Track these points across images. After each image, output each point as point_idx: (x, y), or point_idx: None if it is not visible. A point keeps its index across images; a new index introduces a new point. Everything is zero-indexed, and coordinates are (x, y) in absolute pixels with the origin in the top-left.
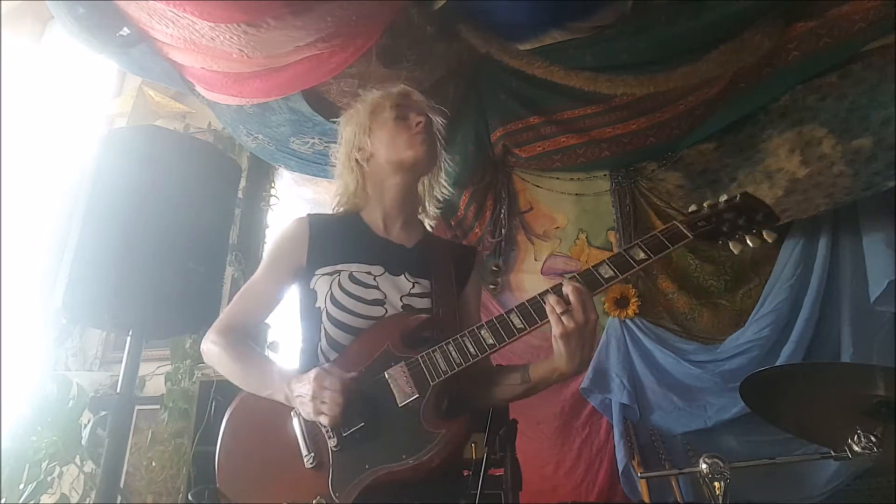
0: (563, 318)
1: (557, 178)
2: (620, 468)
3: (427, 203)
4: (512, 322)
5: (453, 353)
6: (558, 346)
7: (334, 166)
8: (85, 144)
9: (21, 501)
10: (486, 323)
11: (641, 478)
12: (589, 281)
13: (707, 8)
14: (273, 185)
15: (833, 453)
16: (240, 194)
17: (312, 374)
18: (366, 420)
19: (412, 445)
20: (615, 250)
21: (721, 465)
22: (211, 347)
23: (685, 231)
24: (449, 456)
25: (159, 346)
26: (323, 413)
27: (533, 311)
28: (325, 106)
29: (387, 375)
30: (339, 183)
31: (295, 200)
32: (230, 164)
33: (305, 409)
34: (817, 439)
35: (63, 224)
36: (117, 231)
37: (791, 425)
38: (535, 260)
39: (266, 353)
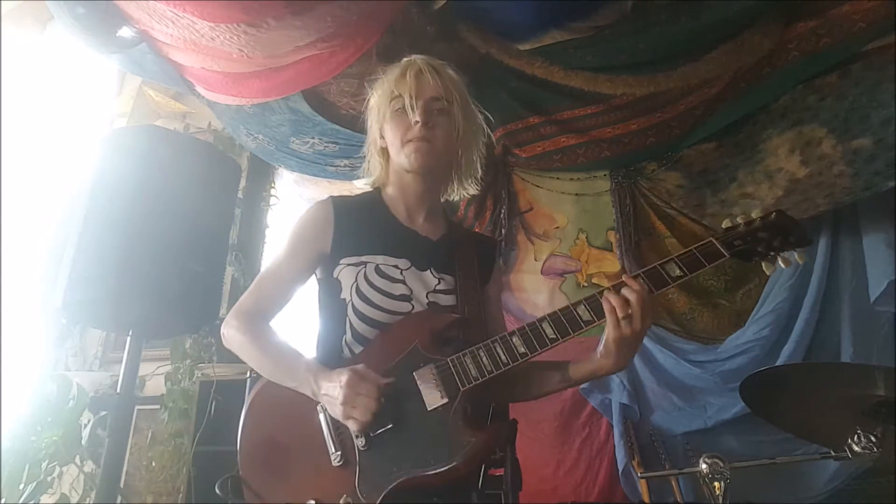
0: (622, 323)
1: (557, 178)
2: (620, 468)
3: (463, 181)
4: (544, 331)
5: (484, 359)
6: (609, 347)
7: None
8: (85, 144)
9: (21, 501)
10: (517, 330)
11: (641, 478)
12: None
13: (707, 8)
14: (273, 185)
15: (833, 453)
16: (240, 194)
17: (345, 376)
18: (394, 422)
19: (439, 453)
20: (615, 250)
21: (721, 465)
22: (233, 333)
23: (722, 250)
24: (476, 466)
25: (159, 346)
26: (354, 419)
27: (566, 322)
28: (325, 106)
29: (416, 377)
30: (367, 161)
31: (295, 200)
32: (230, 164)
33: (334, 410)
34: (817, 439)
35: (63, 224)
36: (117, 231)
37: (791, 425)
38: (535, 260)
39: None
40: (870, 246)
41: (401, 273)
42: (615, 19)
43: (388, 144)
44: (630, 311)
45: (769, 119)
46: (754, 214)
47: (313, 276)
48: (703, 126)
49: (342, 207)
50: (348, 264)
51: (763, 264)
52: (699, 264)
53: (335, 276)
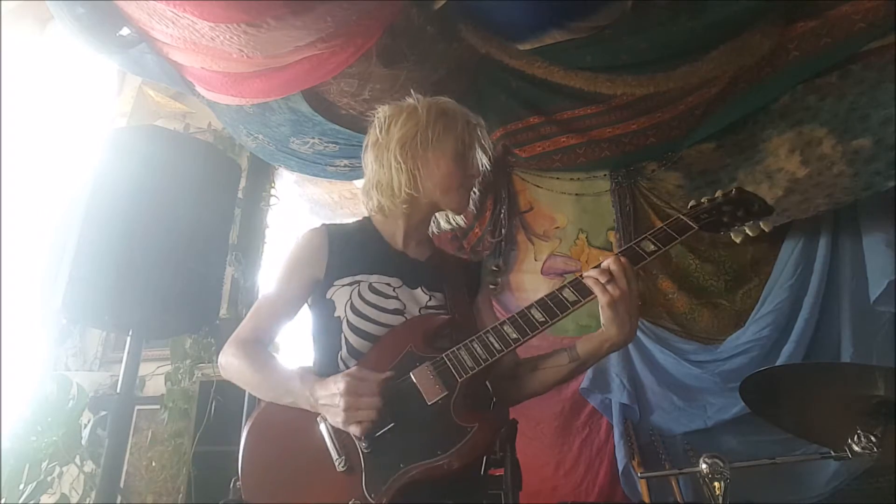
0: (609, 287)
1: (557, 178)
2: (620, 468)
3: (433, 225)
4: (533, 316)
5: (478, 349)
6: (607, 315)
7: (358, 165)
8: (85, 144)
9: (21, 501)
10: (507, 319)
11: (641, 478)
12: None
13: (707, 8)
14: (273, 185)
15: (833, 453)
16: (240, 194)
17: (342, 384)
18: (395, 420)
19: (445, 441)
20: (615, 250)
21: (721, 465)
22: (229, 360)
23: (690, 223)
24: (484, 449)
25: (159, 346)
26: (359, 422)
27: (553, 305)
28: (325, 106)
29: (413, 376)
30: (379, 174)
31: (295, 200)
32: (230, 164)
33: (335, 418)
34: (817, 439)
35: (63, 224)
36: (117, 231)
37: (791, 425)
38: (535, 260)
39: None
40: (870, 246)
41: (393, 290)
42: (615, 19)
43: (438, 179)
44: (612, 275)
45: (769, 119)
46: (717, 194)
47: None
48: (703, 126)
49: (336, 234)
50: (342, 285)
51: (731, 234)
52: (671, 238)
53: (328, 297)
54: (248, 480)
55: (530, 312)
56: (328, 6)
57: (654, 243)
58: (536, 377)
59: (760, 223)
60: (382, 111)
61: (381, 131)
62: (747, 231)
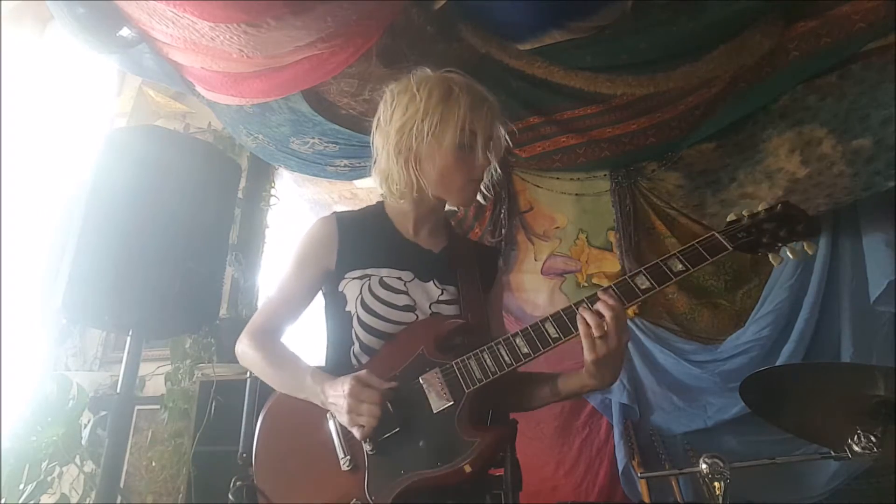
0: (598, 343)
1: (557, 178)
2: (620, 468)
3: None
4: (547, 331)
5: (488, 360)
6: (590, 369)
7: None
8: (85, 145)
9: (21, 501)
10: (520, 331)
11: (641, 478)
12: (625, 292)
13: (707, 8)
14: (273, 185)
15: (833, 453)
16: (240, 194)
17: (347, 385)
18: (401, 426)
19: (447, 453)
20: (615, 250)
21: (721, 465)
22: (245, 350)
23: (725, 243)
24: (484, 465)
25: (159, 346)
26: (360, 426)
27: (568, 321)
28: (325, 106)
29: (421, 381)
30: (380, 162)
31: (295, 200)
32: (230, 164)
33: (341, 417)
34: (817, 439)
35: (63, 224)
36: (117, 231)
37: (791, 425)
38: (535, 260)
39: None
40: (870, 246)
41: (404, 284)
42: (615, 19)
43: (437, 175)
44: (605, 329)
45: (769, 119)
46: (760, 207)
47: (320, 291)
48: (703, 126)
49: (346, 224)
50: (353, 278)
51: (769, 256)
52: (701, 258)
53: (340, 290)
54: (260, 465)
55: (544, 327)
56: (328, 6)
57: (682, 262)
58: (520, 399)
59: (804, 245)
60: (391, 90)
61: (384, 114)
62: (789, 254)
